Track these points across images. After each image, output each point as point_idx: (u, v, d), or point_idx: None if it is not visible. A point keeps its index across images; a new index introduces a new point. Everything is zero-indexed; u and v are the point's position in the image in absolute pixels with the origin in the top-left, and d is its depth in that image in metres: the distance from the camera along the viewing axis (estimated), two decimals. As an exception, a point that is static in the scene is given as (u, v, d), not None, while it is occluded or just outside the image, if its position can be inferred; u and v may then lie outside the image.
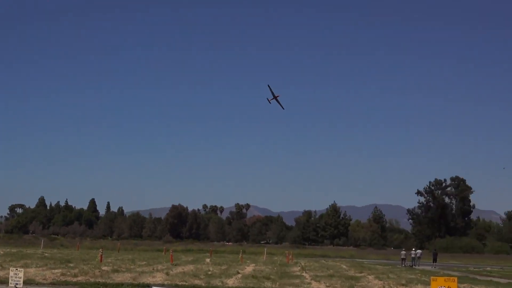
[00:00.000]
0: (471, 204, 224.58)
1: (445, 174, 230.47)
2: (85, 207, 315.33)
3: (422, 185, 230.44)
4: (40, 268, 52.56)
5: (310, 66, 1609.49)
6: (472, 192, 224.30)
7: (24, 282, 35.35)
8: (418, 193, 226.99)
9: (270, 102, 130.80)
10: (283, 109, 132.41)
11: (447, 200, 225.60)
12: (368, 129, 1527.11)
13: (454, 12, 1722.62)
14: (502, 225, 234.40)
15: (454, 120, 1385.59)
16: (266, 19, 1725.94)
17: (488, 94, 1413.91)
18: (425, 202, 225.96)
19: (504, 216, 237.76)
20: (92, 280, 43.23)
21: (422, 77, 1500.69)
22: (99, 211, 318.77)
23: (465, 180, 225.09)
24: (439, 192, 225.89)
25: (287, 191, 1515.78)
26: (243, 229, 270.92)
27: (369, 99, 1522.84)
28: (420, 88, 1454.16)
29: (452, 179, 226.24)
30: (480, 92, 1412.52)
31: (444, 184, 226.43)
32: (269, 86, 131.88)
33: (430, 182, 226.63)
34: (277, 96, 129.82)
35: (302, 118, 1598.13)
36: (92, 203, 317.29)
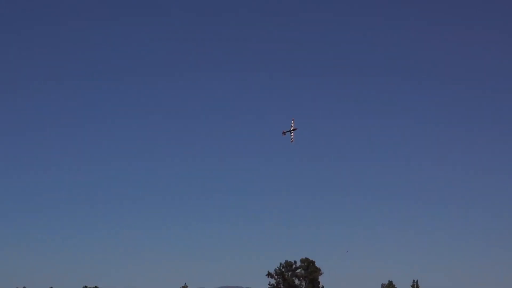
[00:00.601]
0: (320, 286, 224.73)
1: (295, 256, 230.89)
2: None
3: (272, 267, 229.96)
4: None
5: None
6: (321, 274, 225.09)
7: None
8: (269, 274, 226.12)
9: (284, 134, 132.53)
10: (292, 141, 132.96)
11: (297, 282, 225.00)
12: (217, 207, 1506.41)
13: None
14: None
15: (303, 201, 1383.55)
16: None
17: (325, 178, 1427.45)
18: (275, 284, 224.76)
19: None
20: None
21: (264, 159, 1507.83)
22: None
23: (314, 262, 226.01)
24: (289, 273, 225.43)
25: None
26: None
27: (214, 186, 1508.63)
28: (268, 173, 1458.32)
29: (302, 260, 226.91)
30: (319, 176, 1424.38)
31: (294, 266, 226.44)
32: (293, 120, 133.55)
33: (280, 264, 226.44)
34: (295, 130, 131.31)
35: (135, 194, 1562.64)
36: None
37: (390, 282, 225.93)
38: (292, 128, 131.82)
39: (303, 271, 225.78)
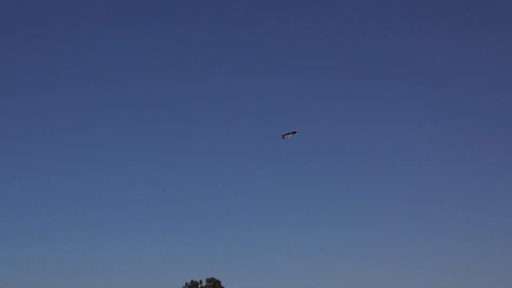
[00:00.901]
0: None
1: (201, 275, 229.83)
2: None
3: (177, 286, 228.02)
4: None
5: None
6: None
7: None
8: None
9: (283, 138, 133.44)
10: (283, 139, 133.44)
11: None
12: (120, 227, 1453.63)
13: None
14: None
15: (207, 220, 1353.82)
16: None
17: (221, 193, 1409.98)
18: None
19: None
20: None
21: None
22: None
23: (220, 282, 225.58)
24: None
25: None
26: None
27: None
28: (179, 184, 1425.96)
29: (207, 280, 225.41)
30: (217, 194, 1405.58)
31: (200, 286, 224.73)
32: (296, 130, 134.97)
33: (186, 283, 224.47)
34: (294, 132, 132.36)
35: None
36: None
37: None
38: (293, 131, 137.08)
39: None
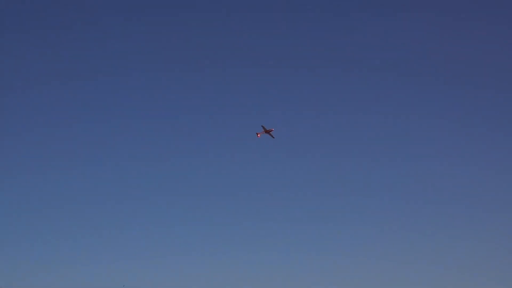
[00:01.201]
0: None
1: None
2: None
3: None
4: None
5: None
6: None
7: None
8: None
9: (259, 136, 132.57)
10: (258, 136, 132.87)
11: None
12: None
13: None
14: None
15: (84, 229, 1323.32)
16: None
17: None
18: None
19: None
20: None
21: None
22: None
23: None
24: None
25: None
26: None
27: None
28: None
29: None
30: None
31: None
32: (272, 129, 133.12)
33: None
34: (271, 130, 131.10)
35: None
36: None
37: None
38: (268, 129, 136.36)
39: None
